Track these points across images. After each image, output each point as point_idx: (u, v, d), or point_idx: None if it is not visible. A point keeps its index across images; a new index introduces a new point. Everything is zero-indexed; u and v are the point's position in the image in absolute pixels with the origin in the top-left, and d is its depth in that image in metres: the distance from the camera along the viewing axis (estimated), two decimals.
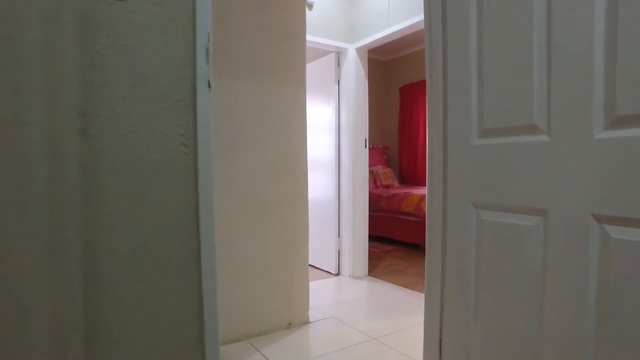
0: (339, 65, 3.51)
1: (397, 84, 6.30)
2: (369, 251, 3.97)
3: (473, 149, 1.20)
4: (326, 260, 3.63)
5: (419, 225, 4.44)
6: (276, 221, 2.24)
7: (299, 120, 2.31)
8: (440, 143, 1.31)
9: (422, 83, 5.79)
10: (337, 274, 3.54)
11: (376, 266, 3.79)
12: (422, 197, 4.46)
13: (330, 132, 3.57)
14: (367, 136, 3.47)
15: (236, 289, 2.08)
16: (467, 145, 1.22)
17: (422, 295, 3.09)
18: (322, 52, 3.68)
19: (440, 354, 1.38)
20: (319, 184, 3.73)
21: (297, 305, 2.38)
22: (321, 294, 3.05)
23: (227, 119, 2.04)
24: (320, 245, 3.70)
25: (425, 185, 5.82)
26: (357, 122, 3.42)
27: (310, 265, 3.91)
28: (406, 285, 3.18)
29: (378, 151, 6.11)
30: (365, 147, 3.46)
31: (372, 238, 5.04)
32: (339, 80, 3.52)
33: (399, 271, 3.63)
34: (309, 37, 3.19)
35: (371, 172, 5.60)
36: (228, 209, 2.04)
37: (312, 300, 2.82)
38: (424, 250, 4.37)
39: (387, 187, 5.64)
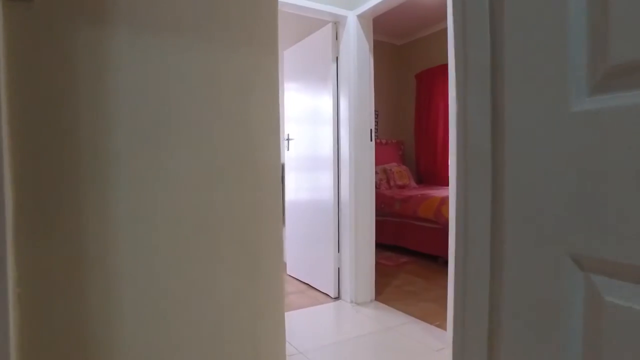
0: (336, 38, 2.83)
1: (413, 71, 5.56)
2: (379, 264, 3.28)
3: (575, 122, 0.49)
4: (323, 279, 2.96)
5: (439, 234, 3.72)
6: (232, 242, 1.57)
7: (267, 101, 1.63)
8: (485, 114, 0.61)
9: (442, 68, 5.05)
10: (337, 298, 2.86)
11: (386, 285, 3.10)
12: (444, 201, 3.73)
13: (326, 123, 2.89)
14: (373, 126, 2.78)
15: (165, 343, 1.43)
16: (558, 114, 0.51)
17: (445, 334, 2.29)
18: (315, 24, 3.00)
19: None
20: (314, 185, 3.06)
21: (265, 354, 1.71)
22: (311, 329, 2.37)
23: (153, 98, 1.38)
24: (317, 261, 3.03)
25: (446, 185, 5.10)
26: (360, 109, 2.73)
27: (304, 283, 3.28)
28: (423, 317, 2.48)
29: (392, 147, 5.39)
30: (371, 139, 2.77)
31: (383, 247, 4.34)
32: (337, 58, 2.84)
33: (414, 294, 2.93)
34: (296, 1, 2.51)
35: (384, 171, 4.89)
36: (157, 226, 1.39)
37: (297, 339, 2.14)
38: (444, 263, 3.65)
39: (402, 187, 4.92)
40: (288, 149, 3.43)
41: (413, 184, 5.10)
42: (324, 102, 2.91)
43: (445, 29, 4.35)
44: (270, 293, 1.68)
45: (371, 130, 2.76)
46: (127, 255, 1.31)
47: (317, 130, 3.01)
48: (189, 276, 1.47)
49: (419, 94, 5.45)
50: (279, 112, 1.72)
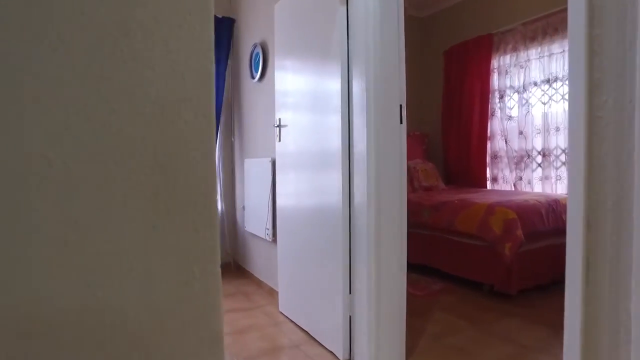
0: None
1: (441, 47, 4.57)
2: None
3: None
4: (328, 329, 2.01)
5: (484, 254, 2.75)
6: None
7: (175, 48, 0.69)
8: None
9: (478, 41, 4.05)
10: None
11: (419, 334, 2.14)
12: (490, 210, 2.76)
13: (332, 107, 1.94)
14: (403, 101, 1.82)
15: None
16: None
17: None
18: None
19: None
20: (316, 188, 2.11)
21: None
22: None
23: None
24: (320, 297, 2.09)
25: (483, 186, 4.12)
26: (383, 79, 1.77)
27: (302, 330, 2.22)
28: None
29: (415, 140, 4.42)
30: (401, 121, 1.81)
31: (408, 267, 3.36)
32: (347, 2, 1.89)
33: (461, 351, 1.97)
34: None
35: (407, 169, 3.92)
36: None
37: None
38: (493, 294, 2.68)
39: (429, 189, 3.94)
40: (279, 140, 2.48)
41: (441, 184, 4.12)
42: (330, 79, 1.96)
43: None
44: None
45: (401, 106, 1.80)
46: None
47: (320, 117, 2.06)
48: None
49: (447, 75, 4.46)
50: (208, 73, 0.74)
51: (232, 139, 3.66)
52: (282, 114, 2.44)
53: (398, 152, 1.79)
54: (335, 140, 1.92)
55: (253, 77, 3.07)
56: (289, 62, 2.38)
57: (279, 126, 2.46)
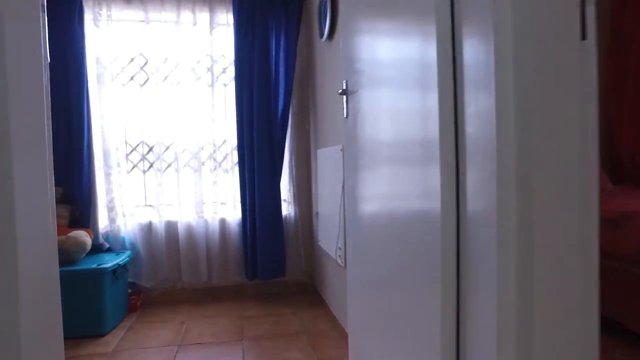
0: None
1: None
2: None
3: None
4: None
5: None
6: None
7: None
8: None
9: None
10: None
11: None
12: None
13: (423, 76, 0.98)
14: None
15: None
16: None
17: None
18: None
19: None
20: (401, 190, 1.17)
21: None
22: None
23: None
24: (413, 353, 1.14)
25: None
26: (533, 32, 0.76)
27: None
28: None
29: None
30: (584, 36, 0.78)
31: None
32: None
33: None
34: None
35: None
36: None
37: None
38: None
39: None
40: (346, 114, 1.59)
41: (610, 185, 2.77)
42: (422, 44, 1.01)
43: None
44: None
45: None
46: None
47: (407, 95, 1.11)
48: None
49: (617, 25, 3.05)
50: None
51: (307, 126, 2.87)
52: (351, 86, 1.55)
53: (576, 138, 0.77)
54: (431, 126, 0.96)
55: (322, 35, 2.23)
56: (361, 20, 1.47)
57: (346, 92, 1.57)
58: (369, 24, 1.39)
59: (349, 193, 1.68)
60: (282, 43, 2.66)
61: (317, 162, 2.52)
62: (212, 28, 2.66)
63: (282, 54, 2.67)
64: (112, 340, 2.11)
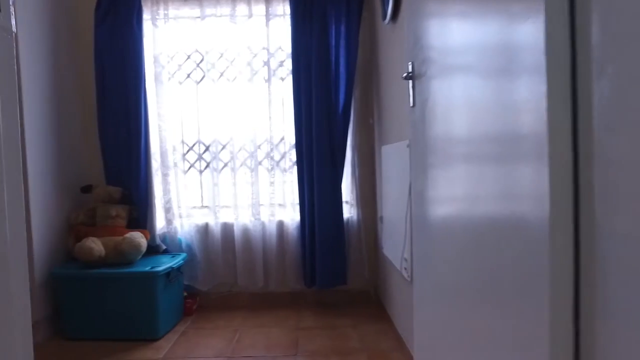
0: None
1: None
2: None
3: None
4: None
5: None
6: None
7: None
8: None
9: None
10: None
11: None
12: None
13: (522, 59, 0.71)
14: None
15: None
16: None
17: None
18: None
19: None
20: (493, 192, 0.89)
21: None
22: None
23: None
24: None
25: None
26: None
27: None
28: None
29: None
30: None
31: None
32: None
33: None
34: None
35: None
36: None
37: None
38: None
39: None
40: (413, 103, 1.33)
41: None
42: (520, 22, 0.74)
43: None
44: None
45: None
46: None
47: (496, 82, 0.83)
48: None
49: None
50: None
51: (371, 120, 2.62)
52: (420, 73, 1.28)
53: None
54: (534, 118, 0.68)
55: (384, 17, 1.98)
56: None
57: (412, 76, 1.31)
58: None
59: (416, 196, 1.42)
60: (342, 30, 2.44)
61: (382, 160, 2.26)
62: (268, 20, 2.51)
63: (342, 43, 2.45)
64: (164, 345, 2.04)
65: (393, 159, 1.98)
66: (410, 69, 1.31)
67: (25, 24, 2.08)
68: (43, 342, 2.11)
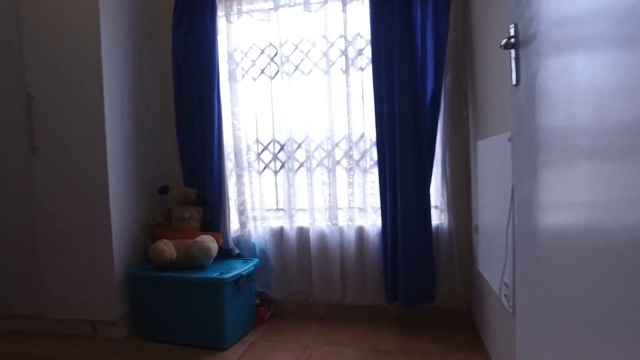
0: None
1: None
2: None
3: None
4: None
5: None
6: None
7: None
8: None
9: None
10: None
11: None
12: None
13: None
14: None
15: None
16: None
17: None
18: None
19: None
20: (615, 203, 0.55)
21: None
22: None
23: None
24: None
25: None
26: None
27: None
28: None
29: None
30: None
31: None
32: None
33: None
34: None
35: None
36: None
37: None
38: None
39: None
40: (517, 81, 0.98)
41: None
42: None
43: None
44: None
45: None
46: None
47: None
48: None
49: None
50: None
51: (465, 112, 2.24)
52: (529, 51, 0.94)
53: None
54: None
55: None
56: None
57: (514, 43, 0.97)
58: None
59: (521, 203, 1.07)
60: (429, 9, 2.10)
61: (477, 156, 1.89)
62: (344, 4, 2.27)
63: (429, 23, 2.11)
64: (230, 357, 1.92)
65: (490, 157, 1.61)
66: (512, 33, 0.97)
67: (108, 25, 2.12)
68: (123, 340, 2.13)
